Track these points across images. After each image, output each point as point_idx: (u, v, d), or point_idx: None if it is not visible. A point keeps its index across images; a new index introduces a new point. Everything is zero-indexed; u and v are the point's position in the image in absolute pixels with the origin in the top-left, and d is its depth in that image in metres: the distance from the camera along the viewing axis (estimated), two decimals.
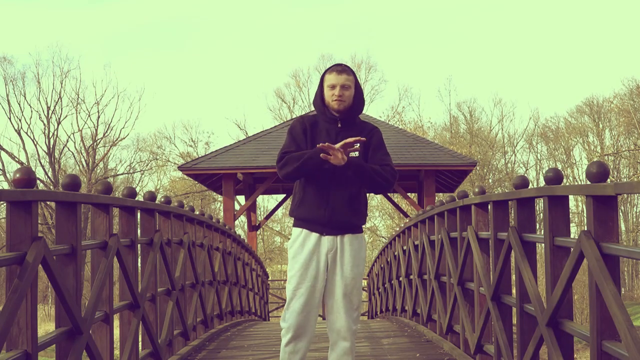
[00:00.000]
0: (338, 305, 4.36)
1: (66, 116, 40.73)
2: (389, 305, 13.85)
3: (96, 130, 40.99)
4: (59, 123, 40.17)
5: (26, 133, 39.62)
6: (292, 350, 4.36)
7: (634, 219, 44.70)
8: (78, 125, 40.62)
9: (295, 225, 4.45)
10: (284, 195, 25.02)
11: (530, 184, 5.41)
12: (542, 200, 4.80)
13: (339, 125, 4.43)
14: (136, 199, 6.27)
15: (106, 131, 41.18)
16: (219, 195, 33.35)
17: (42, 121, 39.99)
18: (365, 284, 21.12)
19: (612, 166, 41.75)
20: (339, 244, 4.37)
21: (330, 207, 4.34)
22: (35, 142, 39.94)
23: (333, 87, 4.37)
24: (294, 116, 42.11)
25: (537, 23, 67.54)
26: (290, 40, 69.43)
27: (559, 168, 30.80)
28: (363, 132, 4.45)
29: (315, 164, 4.25)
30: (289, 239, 46.52)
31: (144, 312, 6.18)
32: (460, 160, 19.10)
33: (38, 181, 36.03)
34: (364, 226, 4.57)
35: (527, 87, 65.99)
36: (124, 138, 42.17)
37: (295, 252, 4.38)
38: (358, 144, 4.34)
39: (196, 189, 40.12)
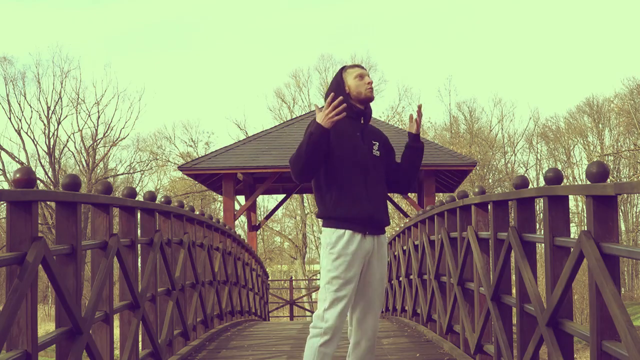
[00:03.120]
0: (373, 305, 4.31)
1: (66, 116, 40.77)
2: (389, 305, 13.84)
3: (96, 130, 41.02)
4: (59, 123, 40.19)
5: (26, 133, 39.65)
6: (327, 351, 4.23)
7: (634, 219, 44.69)
8: (78, 125, 40.66)
9: (334, 225, 4.24)
10: (284, 195, 25.01)
11: (530, 184, 5.41)
12: (542, 200, 4.80)
13: (362, 121, 4.37)
14: (136, 199, 6.27)
15: (106, 131, 41.22)
16: (219, 195, 33.35)
17: (42, 121, 40.02)
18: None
19: (612, 166, 41.76)
20: (376, 245, 4.30)
21: (372, 205, 4.25)
22: (35, 142, 39.98)
23: (362, 76, 4.33)
24: (294, 116, 42.05)
25: (537, 23, 67.58)
26: (290, 40, 69.47)
27: (559, 168, 30.80)
28: (379, 133, 4.47)
29: (320, 134, 4.08)
30: (289, 238, 45.88)
31: (144, 312, 6.18)
32: (460, 160, 19.10)
33: (38, 181, 36.02)
34: None
35: (527, 87, 66.07)
36: (124, 138, 42.25)
37: (339, 254, 4.21)
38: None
39: (196, 189, 40.10)
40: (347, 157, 4.24)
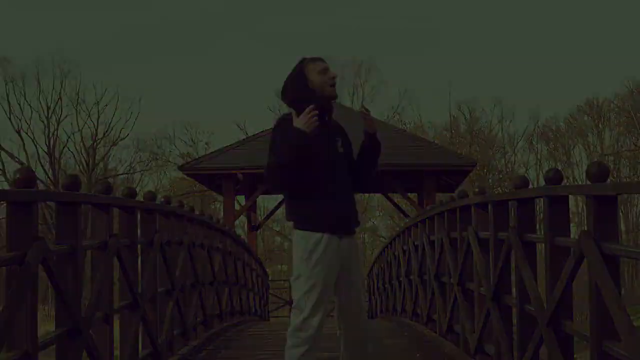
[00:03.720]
0: (360, 305, 4.22)
1: (66, 116, 40.75)
2: (389, 305, 13.85)
3: (96, 130, 41.01)
4: (59, 123, 40.19)
5: (26, 133, 39.65)
6: None
7: (634, 219, 44.67)
8: (78, 125, 40.66)
9: (310, 228, 4.06)
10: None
11: (530, 184, 5.41)
12: (542, 200, 4.80)
13: (327, 118, 4.15)
14: (136, 199, 6.27)
15: (106, 131, 41.21)
16: (219, 195, 33.35)
17: (42, 121, 40.01)
18: (366, 284, 21.10)
19: (612, 166, 41.75)
20: (352, 246, 4.17)
21: (347, 205, 4.12)
22: (35, 142, 39.97)
23: (326, 71, 4.10)
24: None
25: (537, 23, 67.57)
26: (290, 41, 69.49)
27: (559, 168, 30.78)
28: (339, 128, 4.30)
29: (303, 139, 3.93)
30: (289, 239, 45.88)
31: (144, 312, 6.18)
32: (460, 160, 19.10)
33: (38, 181, 36.03)
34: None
35: (527, 87, 66.08)
36: (124, 138, 42.21)
37: (318, 259, 4.02)
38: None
39: (196, 189, 40.10)
40: (318, 156, 4.04)
